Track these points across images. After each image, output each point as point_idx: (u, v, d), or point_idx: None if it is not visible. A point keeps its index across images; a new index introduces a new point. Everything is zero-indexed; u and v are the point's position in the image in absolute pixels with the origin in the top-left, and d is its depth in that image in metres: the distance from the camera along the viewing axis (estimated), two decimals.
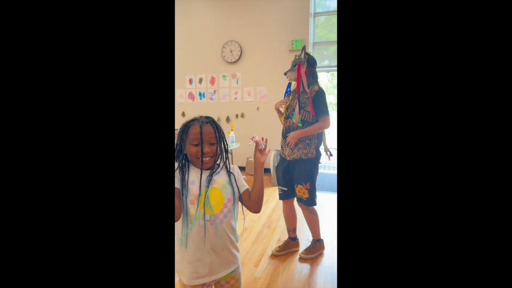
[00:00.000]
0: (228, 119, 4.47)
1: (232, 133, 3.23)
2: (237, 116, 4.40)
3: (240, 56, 4.26)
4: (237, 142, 3.56)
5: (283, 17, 3.96)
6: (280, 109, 1.89)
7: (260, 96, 4.27)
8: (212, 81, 4.51)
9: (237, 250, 0.88)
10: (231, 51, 4.31)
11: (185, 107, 4.66)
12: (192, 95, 4.68)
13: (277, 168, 1.92)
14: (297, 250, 1.92)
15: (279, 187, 1.89)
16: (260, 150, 0.87)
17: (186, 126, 0.83)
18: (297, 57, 1.76)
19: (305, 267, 1.75)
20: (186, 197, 0.79)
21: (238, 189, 0.88)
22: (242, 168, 4.18)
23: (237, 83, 4.36)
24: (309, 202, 1.76)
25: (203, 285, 0.83)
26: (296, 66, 1.72)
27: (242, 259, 1.85)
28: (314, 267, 1.74)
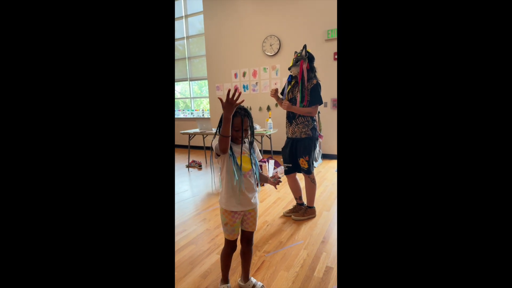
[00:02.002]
0: (268, 108, 4.88)
1: (270, 120, 3.63)
2: (276, 105, 4.78)
3: (279, 49, 4.60)
4: (274, 128, 3.97)
5: (318, 8, 4.15)
6: (280, 95, 2.26)
7: None
8: (254, 73, 4.96)
9: (256, 196, 1.29)
10: (270, 45, 4.67)
11: None
12: (238, 88, 5.21)
13: (283, 149, 2.28)
14: (314, 215, 2.29)
15: (285, 164, 2.27)
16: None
17: (232, 117, 1.19)
18: (298, 55, 2.06)
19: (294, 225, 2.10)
20: (233, 160, 1.20)
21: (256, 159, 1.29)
22: (276, 152, 4.57)
23: (277, 74, 4.72)
24: (308, 171, 2.17)
25: (234, 212, 1.27)
26: (299, 63, 2.04)
27: (278, 214, 2.29)
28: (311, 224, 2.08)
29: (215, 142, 1.16)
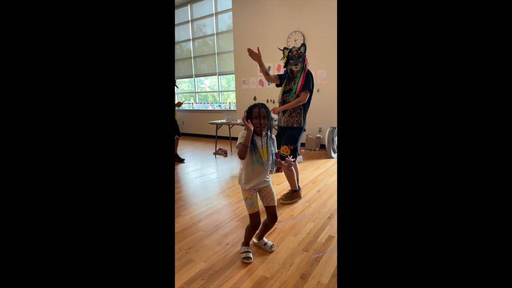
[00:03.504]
0: None
1: None
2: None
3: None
4: None
5: None
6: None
7: (320, 79, 4.73)
8: (279, 68, 5.19)
9: (268, 176, 1.57)
10: (295, 40, 4.87)
11: (257, 92, 5.52)
12: (262, 82, 5.48)
13: (277, 137, 2.44)
14: (300, 198, 2.49)
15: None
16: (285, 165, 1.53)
17: (251, 109, 1.49)
18: (299, 51, 2.27)
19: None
20: (254, 152, 1.48)
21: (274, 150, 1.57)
22: (302, 144, 4.80)
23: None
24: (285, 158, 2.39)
25: (251, 188, 1.57)
26: (303, 58, 2.29)
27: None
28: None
29: (239, 146, 1.44)
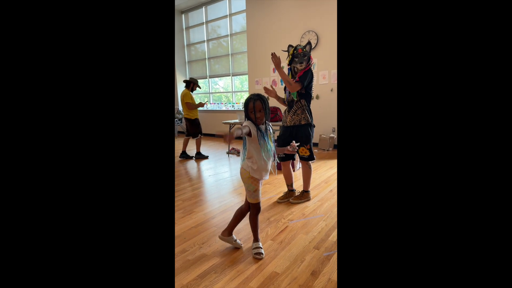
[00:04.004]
0: None
1: None
2: (312, 98, 4.96)
3: (316, 43, 4.77)
4: None
5: None
6: (279, 95, 2.43)
7: (334, 78, 4.70)
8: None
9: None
10: (309, 40, 4.86)
11: None
12: (275, 82, 5.50)
13: (279, 138, 2.41)
14: (309, 199, 2.48)
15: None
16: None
17: (247, 103, 1.48)
18: (305, 50, 2.21)
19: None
20: (263, 137, 1.50)
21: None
22: (315, 144, 4.77)
23: (314, 67, 4.89)
24: (309, 158, 2.34)
25: (259, 180, 1.59)
26: (308, 57, 2.23)
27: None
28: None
29: (236, 132, 1.35)
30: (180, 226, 2.04)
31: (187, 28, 7.15)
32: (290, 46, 2.29)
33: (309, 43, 2.29)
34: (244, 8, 5.76)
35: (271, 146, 1.53)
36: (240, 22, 6.07)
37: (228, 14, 6.20)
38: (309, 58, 2.25)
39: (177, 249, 1.73)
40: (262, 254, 1.62)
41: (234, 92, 6.61)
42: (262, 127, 1.53)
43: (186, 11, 6.97)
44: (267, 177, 1.59)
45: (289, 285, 1.36)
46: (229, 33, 6.29)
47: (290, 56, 2.27)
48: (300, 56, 2.21)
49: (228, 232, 1.72)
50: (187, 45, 7.30)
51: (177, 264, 1.56)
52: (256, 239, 1.70)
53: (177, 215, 2.25)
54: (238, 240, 1.74)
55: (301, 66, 2.23)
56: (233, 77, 6.49)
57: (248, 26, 5.68)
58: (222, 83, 6.94)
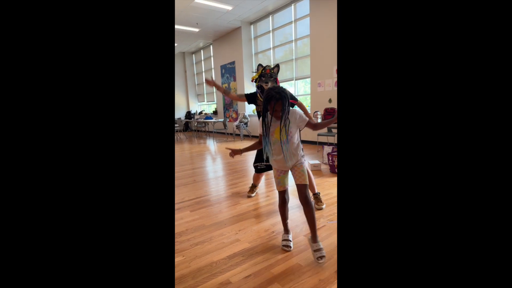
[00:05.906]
0: None
1: None
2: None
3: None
4: None
5: None
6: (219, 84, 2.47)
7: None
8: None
9: (299, 155, 1.57)
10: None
11: (332, 94, 5.38)
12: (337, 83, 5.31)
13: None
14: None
15: (262, 163, 2.44)
16: None
17: (268, 100, 1.46)
18: (272, 71, 2.29)
19: None
20: (266, 131, 1.52)
21: (293, 128, 1.53)
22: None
23: None
24: None
25: (276, 169, 1.61)
26: (274, 78, 2.31)
27: None
28: None
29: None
30: (224, 214, 2.23)
31: (255, 37, 7.59)
32: (260, 65, 2.45)
33: (277, 65, 2.41)
34: (308, 12, 5.79)
35: (269, 148, 1.55)
36: (304, 26, 6.11)
37: (293, 20, 6.32)
38: (276, 80, 2.37)
39: (215, 233, 1.91)
40: (290, 247, 1.64)
41: (297, 95, 6.65)
42: (275, 124, 1.52)
43: (254, 21, 7.43)
44: (284, 168, 1.60)
45: (310, 278, 1.36)
46: (293, 39, 6.40)
47: (258, 75, 2.42)
48: (267, 76, 2.36)
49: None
50: (255, 53, 7.74)
51: (211, 245, 1.74)
52: (286, 231, 1.73)
53: (226, 204, 2.46)
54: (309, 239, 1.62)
55: (266, 85, 2.37)
56: (296, 81, 6.55)
57: (312, 30, 5.68)
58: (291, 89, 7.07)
